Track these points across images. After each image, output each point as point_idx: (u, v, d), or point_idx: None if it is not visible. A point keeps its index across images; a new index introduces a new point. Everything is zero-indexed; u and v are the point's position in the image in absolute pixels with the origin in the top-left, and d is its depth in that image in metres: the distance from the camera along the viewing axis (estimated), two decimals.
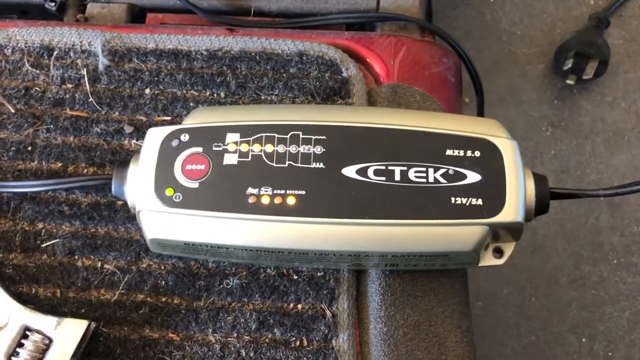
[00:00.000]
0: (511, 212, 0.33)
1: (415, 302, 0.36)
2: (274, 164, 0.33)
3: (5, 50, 0.42)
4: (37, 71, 0.41)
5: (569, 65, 0.73)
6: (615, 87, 0.76)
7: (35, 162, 0.39)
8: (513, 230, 0.34)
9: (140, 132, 0.40)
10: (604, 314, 0.68)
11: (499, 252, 0.35)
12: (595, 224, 0.71)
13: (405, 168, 0.33)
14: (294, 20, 0.46)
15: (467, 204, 0.33)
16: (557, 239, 0.71)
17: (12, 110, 0.40)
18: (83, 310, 0.36)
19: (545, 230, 0.71)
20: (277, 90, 0.41)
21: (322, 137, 0.34)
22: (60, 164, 0.39)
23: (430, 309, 0.36)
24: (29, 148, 0.40)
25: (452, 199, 0.33)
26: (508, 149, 0.34)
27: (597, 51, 0.73)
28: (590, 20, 0.76)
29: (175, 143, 0.34)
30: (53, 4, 0.46)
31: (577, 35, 0.75)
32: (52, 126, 0.40)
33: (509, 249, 0.35)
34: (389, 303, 0.36)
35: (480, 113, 0.53)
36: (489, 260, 0.35)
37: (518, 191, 0.33)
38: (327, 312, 0.36)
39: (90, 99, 0.41)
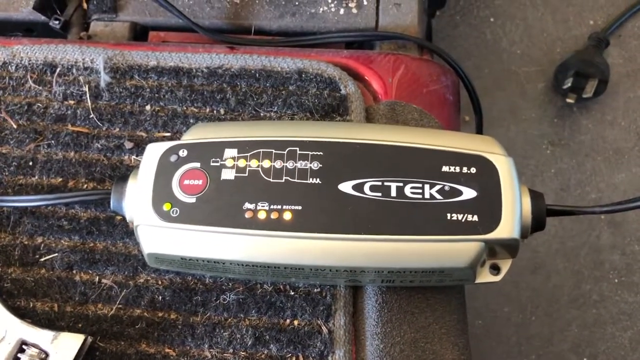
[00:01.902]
0: (507, 228, 0.33)
1: (412, 318, 0.36)
2: (270, 180, 0.34)
3: (9, 67, 0.43)
4: (40, 87, 0.42)
5: (569, 84, 0.74)
6: (615, 106, 0.76)
7: (36, 177, 0.40)
8: (509, 247, 0.34)
9: (140, 148, 0.40)
10: (605, 334, 0.68)
11: (495, 269, 0.35)
12: (596, 243, 0.71)
13: (401, 184, 0.33)
14: (293, 38, 0.47)
15: (463, 220, 0.33)
16: (558, 258, 0.70)
17: (15, 126, 0.41)
18: (80, 325, 0.36)
19: (546, 248, 0.71)
20: (276, 107, 0.41)
21: (318, 153, 0.34)
22: (60, 179, 0.40)
23: (427, 325, 0.36)
24: (30, 163, 0.40)
25: (448, 215, 0.33)
26: (504, 165, 0.34)
27: (596, 70, 0.73)
28: (590, 40, 0.77)
29: (173, 158, 0.35)
30: (57, 22, 0.47)
31: (576, 55, 0.75)
32: (53, 141, 0.41)
33: (505, 265, 0.35)
34: (385, 320, 0.36)
35: (479, 131, 0.53)
36: (485, 277, 0.35)
37: (514, 208, 0.33)
38: (324, 328, 0.36)
39: (92, 115, 0.41)
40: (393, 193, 0.33)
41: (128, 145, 0.40)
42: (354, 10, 0.48)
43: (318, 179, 0.34)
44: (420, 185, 0.33)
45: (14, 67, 0.43)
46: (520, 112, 0.76)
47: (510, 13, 0.80)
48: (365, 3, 0.48)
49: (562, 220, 0.71)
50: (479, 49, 0.79)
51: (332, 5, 0.48)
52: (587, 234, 0.71)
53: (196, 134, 0.36)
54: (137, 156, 0.40)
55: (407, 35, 0.46)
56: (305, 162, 0.34)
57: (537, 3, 0.80)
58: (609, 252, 0.70)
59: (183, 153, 0.35)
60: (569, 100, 0.75)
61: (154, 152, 0.35)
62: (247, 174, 0.34)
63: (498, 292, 0.69)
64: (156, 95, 0.42)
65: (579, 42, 0.78)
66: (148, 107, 0.42)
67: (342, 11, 0.48)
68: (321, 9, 0.48)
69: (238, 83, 0.42)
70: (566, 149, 0.75)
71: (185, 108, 0.42)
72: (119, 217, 0.39)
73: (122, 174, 0.39)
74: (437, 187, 0.33)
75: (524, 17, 0.80)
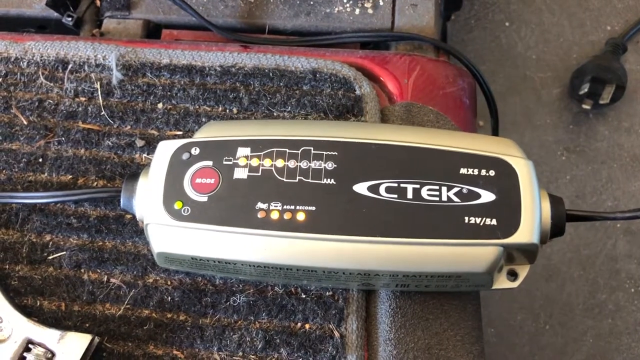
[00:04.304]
0: (526, 233, 0.32)
1: (426, 324, 0.35)
2: (284, 179, 0.33)
3: (21, 63, 0.42)
4: (51, 84, 0.42)
5: (585, 90, 0.73)
6: (632, 113, 0.75)
7: (46, 174, 0.39)
8: (528, 252, 0.33)
9: (151, 146, 0.40)
10: (620, 344, 0.66)
11: (513, 275, 0.34)
12: (612, 251, 0.69)
13: (418, 186, 0.32)
14: (308, 38, 0.46)
15: (481, 224, 0.32)
16: (573, 266, 0.69)
17: (25, 122, 0.41)
18: (87, 325, 0.35)
19: (561, 256, 0.69)
20: (289, 107, 0.41)
21: (333, 153, 0.33)
22: (70, 177, 0.39)
23: (441, 332, 0.35)
24: (40, 160, 0.40)
25: (466, 218, 0.32)
26: (523, 168, 0.33)
27: (614, 76, 0.72)
28: (607, 46, 0.76)
29: (185, 156, 0.34)
30: (70, 19, 0.47)
31: (593, 60, 0.74)
32: (63, 138, 0.40)
33: (523, 271, 0.34)
34: (399, 325, 0.35)
35: (495, 135, 0.53)
36: (502, 282, 0.34)
37: (533, 212, 0.32)
38: (336, 332, 0.35)
39: (103, 113, 0.41)
40: (409, 195, 0.32)
41: (139, 143, 0.40)
42: (370, 11, 0.47)
43: (332, 180, 0.33)
44: (437, 187, 0.32)
45: (25, 63, 0.42)
46: (535, 117, 0.75)
47: (526, 17, 0.79)
48: (381, 3, 0.47)
49: (577, 228, 0.70)
50: (493, 53, 0.78)
51: (348, 5, 0.47)
52: (602, 242, 0.70)
53: (209, 132, 0.35)
54: (148, 154, 0.40)
55: (424, 36, 0.45)
56: (320, 162, 0.33)
57: (553, 8, 0.79)
58: (625, 260, 0.69)
59: (195, 151, 0.34)
60: (585, 107, 0.74)
61: (165, 149, 0.34)
62: (260, 173, 0.33)
63: (511, 300, 0.68)
64: (168, 93, 0.41)
65: (595, 48, 0.77)
66: (160, 105, 0.41)
67: (357, 11, 0.47)
68: (336, 9, 0.47)
69: (251, 82, 0.42)
70: (582, 155, 0.74)
71: (197, 107, 0.41)
72: (128, 216, 0.38)
73: (133, 172, 0.39)
74: (455, 190, 0.32)
75: (539, 21, 0.79)
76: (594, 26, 0.78)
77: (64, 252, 0.37)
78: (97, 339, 0.34)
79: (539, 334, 0.67)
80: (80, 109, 0.41)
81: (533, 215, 0.32)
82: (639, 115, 0.75)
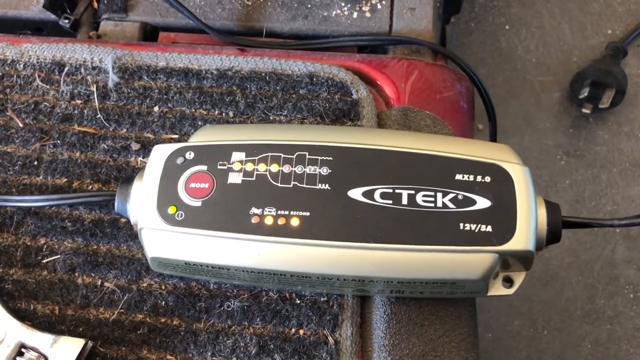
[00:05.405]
0: (522, 240, 0.32)
1: (421, 331, 0.35)
2: (278, 184, 0.33)
3: (17, 65, 0.42)
4: (47, 86, 0.41)
5: (585, 94, 0.73)
6: (632, 117, 0.75)
7: (41, 177, 0.39)
8: (523, 259, 0.33)
9: (147, 149, 0.40)
10: (619, 350, 0.66)
11: (508, 282, 0.34)
12: (611, 256, 0.69)
13: (413, 192, 0.32)
14: (305, 41, 0.46)
15: (476, 231, 0.32)
16: (571, 271, 0.69)
17: (21, 125, 0.40)
18: (81, 329, 0.35)
19: (559, 261, 0.69)
20: (286, 111, 0.41)
21: (328, 158, 0.33)
22: (65, 180, 0.39)
23: (436, 338, 0.35)
24: (35, 163, 0.39)
25: (461, 225, 0.32)
26: (519, 175, 0.33)
27: (614, 80, 0.72)
28: (608, 49, 0.75)
29: (180, 161, 0.34)
30: (67, 21, 0.47)
31: (593, 64, 0.74)
32: (59, 141, 0.40)
33: (519, 278, 0.34)
34: (393, 331, 0.35)
35: (493, 139, 0.52)
36: (498, 289, 0.34)
37: (529, 219, 0.32)
38: (330, 338, 0.35)
39: (99, 115, 0.41)
40: (404, 201, 0.32)
41: (135, 146, 0.40)
42: (368, 14, 0.47)
43: (327, 185, 0.33)
44: (432, 193, 0.32)
45: (22, 66, 0.42)
46: (534, 121, 0.75)
47: (526, 21, 0.79)
48: (379, 7, 0.47)
49: (576, 233, 0.69)
50: (493, 56, 0.78)
51: (345, 8, 0.47)
52: (601, 247, 0.70)
53: (204, 136, 0.35)
54: (143, 158, 0.39)
55: (422, 40, 0.45)
56: (315, 167, 0.33)
57: (553, 11, 0.79)
58: (624, 266, 0.69)
59: (190, 155, 0.34)
60: (584, 111, 0.74)
61: (160, 153, 0.34)
62: (254, 178, 0.33)
63: (509, 305, 0.67)
64: (164, 96, 0.41)
65: (596, 52, 0.77)
66: (156, 109, 0.41)
67: (355, 15, 0.47)
68: (334, 12, 0.47)
69: (248, 86, 0.41)
70: (581, 160, 0.73)
71: (193, 110, 0.41)
72: (123, 220, 0.38)
73: (128, 175, 0.39)
74: (450, 196, 0.32)
75: (540, 25, 0.79)
76: (594, 30, 0.78)
77: (58, 256, 0.37)
78: (90, 344, 0.34)
79: (537, 340, 0.67)
80: (76, 111, 0.41)
81: (529, 222, 0.32)
82: (639, 119, 0.74)
